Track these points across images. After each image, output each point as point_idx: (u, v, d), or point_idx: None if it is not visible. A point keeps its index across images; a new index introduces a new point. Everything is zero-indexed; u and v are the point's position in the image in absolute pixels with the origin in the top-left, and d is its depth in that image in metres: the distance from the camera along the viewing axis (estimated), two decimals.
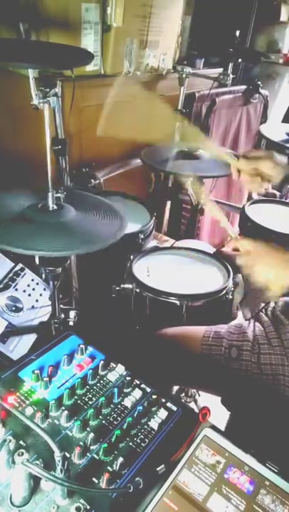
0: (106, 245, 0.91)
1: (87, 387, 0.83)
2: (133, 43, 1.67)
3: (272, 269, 0.94)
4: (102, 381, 0.84)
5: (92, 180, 1.62)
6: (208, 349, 1.10)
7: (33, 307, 1.31)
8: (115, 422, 0.76)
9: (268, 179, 1.18)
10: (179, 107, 2.01)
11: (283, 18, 2.76)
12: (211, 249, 1.57)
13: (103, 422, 0.76)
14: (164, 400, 0.81)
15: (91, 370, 0.85)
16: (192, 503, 0.65)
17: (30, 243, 0.87)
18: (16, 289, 1.30)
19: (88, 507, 0.62)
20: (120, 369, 0.87)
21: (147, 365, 0.94)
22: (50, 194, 0.99)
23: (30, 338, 1.26)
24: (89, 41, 1.52)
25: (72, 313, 1.26)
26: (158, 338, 1.19)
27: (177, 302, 1.18)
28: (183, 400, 1.52)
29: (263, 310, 1.18)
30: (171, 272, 1.36)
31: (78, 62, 1.07)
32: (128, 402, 0.80)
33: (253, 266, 0.95)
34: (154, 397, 0.82)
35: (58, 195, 1.02)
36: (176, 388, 1.51)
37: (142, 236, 1.44)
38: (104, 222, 1.01)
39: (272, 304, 1.19)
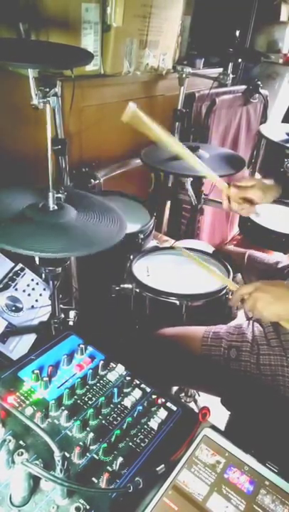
0: (106, 247, 0.91)
1: (87, 387, 0.83)
2: (133, 43, 1.67)
3: (274, 303, 0.93)
4: (101, 381, 0.84)
5: (92, 180, 1.62)
6: (208, 349, 1.10)
7: (32, 307, 1.31)
8: (115, 422, 0.76)
9: (257, 204, 1.20)
10: (179, 107, 2.01)
11: (283, 18, 2.76)
12: (211, 249, 1.57)
13: (103, 421, 0.76)
14: (163, 400, 0.81)
15: (91, 370, 0.85)
16: (192, 503, 0.65)
17: (30, 243, 0.87)
18: (16, 289, 1.30)
19: (88, 507, 0.62)
20: (120, 369, 0.87)
21: (147, 365, 0.94)
22: (50, 194, 0.99)
23: (30, 338, 1.26)
24: (89, 41, 1.52)
25: (72, 313, 1.26)
26: (157, 338, 1.19)
27: (177, 302, 1.19)
28: (183, 400, 1.52)
29: None
30: (171, 271, 1.36)
31: (78, 62, 1.08)
32: (128, 402, 0.80)
33: (257, 306, 0.95)
34: (153, 397, 0.82)
35: (59, 195, 1.02)
36: (176, 388, 1.51)
37: (141, 236, 1.44)
38: (104, 223, 1.01)
39: None
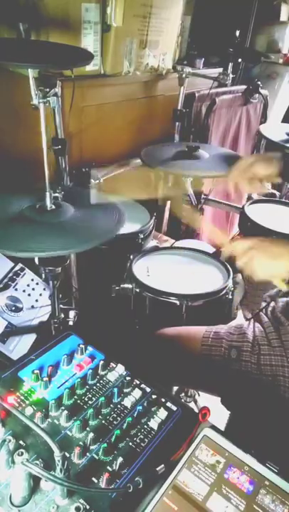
0: (105, 239, 0.91)
1: (87, 387, 0.83)
2: (133, 43, 1.67)
3: (271, 262, 0.92)
4: (101, 381, 0.84)
5: (92, 180, 1.62)
6: (208, 349, 1.10)
7: (32, 307, 1.31)
8: (115, 422, 0.76)
9: (267, 179, 1.18)
10: (179, 107, 2.01)
11: (283, 18, 2.76)
12: (211, 249, 1.57)
13: (103, 421, 0.76)
14: (163, 400, 0.81)
15: (91, 370, 0.85)
16: (192, 503, 0.65)
17: (28, 245, 0.87)
18: (16, 289, 1.30)
19: (88, 507, 0.62)
20: (120, 369, 0.87)
21: (147, 365, 0.94)
22: (47, 194, 0.99)
23: (30, 338, 1.26)
24: (89, 41, 1.52)
25: (72, 313, 1.26)
26: (157, 338, 1.19)
27: (177, 302, 1.19)
28: (183, 400, 1.52)
29: (263, 310, 1.18)
30: (171, 272, 1.36)
31: (78, 62, 1.08)
32: (128, 402, 0.80)
33: (252, 263, 0.93)
34: (153, 397, 0.82)
35: (56, 194, 1.02)
36: (176, 388, 1.51)
37: (141, 236, 1.44)
38: (102, 217, 1.01)
39: (272, 304, 1.19)
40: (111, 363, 0.88)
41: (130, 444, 0.73)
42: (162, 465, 0.68)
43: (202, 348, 1.11)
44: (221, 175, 1.62)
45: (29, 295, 1.32)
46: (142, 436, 0.74)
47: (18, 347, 1.22)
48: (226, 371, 1.07)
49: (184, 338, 1.15)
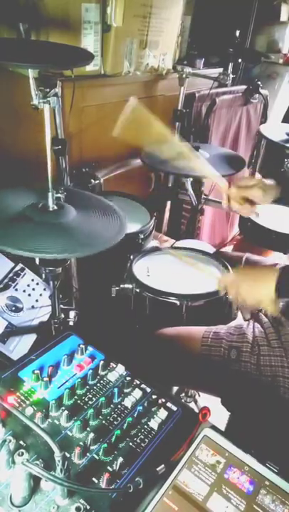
0: (106, 248, 0.91)
1: (87, 387, 0.83)
2: (133, 43, 1.67)
3: (253, 286, 0.97)
4: (102, 381, 0.84)
5: (92, 180, 1.62)
6: (208, 350, 1.10)
7: (33, 307, 1.31)
8: (115, 422, 0.76)
9: (258, 204, 1.21)
10: (179, 107, 2.01)
11: (283, 18, 2.76)
12: (211, 249, 1.57)
13: (103, 422, 0.76)
14: (164, 400, 0.81)
15: (91, 370, 0.85)
16: (192, 503, 0.65)
17: (30, 244, 0.87)
18: (16, 289, 1.29)
19: (88, 507, 0.62)
20: (120, 369, 0.87)
21: (147, 365, 0.94)
22: (50, 194, 0.99)
23: (30, 338, 1.26)
24: (89, 41, 1.52)
25: (72, 313, 1.26)
26: (157, 339, 1.19)
27: (177, 302, 1.18)
28: (183, 400, 1.52)
29: (263, 310, 1.18)
30: (171, 272, 1.36)
31: (78, 62, 1.08)
32: (128, 402, 0.80)
33: (239, 292, 0.98)
34: (154, 397, 0.82)
35: (58, 195, 1.02)
36: (176, 388, 1.51)
37: (142, 236, 1.44)
38: (104, 223, 1.01)
39: None
40: (111, 363, 0.88)
41: (130, 444, 0.73)
42: (162, 465, 0.68)
43: (202, 349, 1.11)
44: (221, 175, 1.62)
45: (29, 295, 1.32)
46: (142, 437, 0.74)
47: (19, 347, 1.22)
48: (226, 371, 1.07)
49: (184, 339, 1.15)
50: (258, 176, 2.60)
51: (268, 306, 0.96)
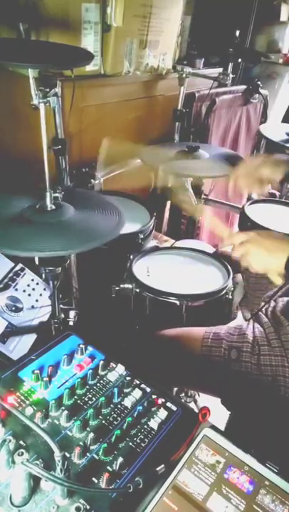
0: (105, 242, 0.91)
1: (87, 387, 0.83)
2: (133, 43, 1.67)
3: (265, 256, 0.94)
4: (102, 381, 0.84)
5: (92, 180, 1.62)
6: (208, 350, 1.10)
7: (33, 307, 1.31)
8: (115, 422, 0.76)
9: (270, 181, 1.18)
10: (179, 107, 2.01)
11: (283, 18, 2.76)
12: (211, 249, 1.57)
13: (103, 422, 0.76)
14: (164, 400, 0.81)
15: (91, 370, 0.85)
16: (192, 503, 0.65)
17: (29, 245, 0.87)
18: (16, 289, 1.29)
19: (88, 507, 0.62)
20: (120, 369, 0.87)
21: (147, 366, 0.94)
22: (47, 194, 0.99)
23: (30, 338, 1.26)
24: (89, 41, 1.52)
25: (72, 313, 1.26)
26: (157, 340, 1.19)
27: (177, 302, 1.18)
28: (183, 400, 1.52)
29: (263, 310, 1.18)
30: (171, 272, 1.36)
31: (78, 62, 1.08)
32: (128, 402, 0.80)
33: (248, 256, 0.95)
34: (154, 397, 0.82)
35: (56, 194, 1.02)
36: (176, 388, 1.51)
37: (141, 236, 1.44)
38: (102, 218, 1.01)
39: (272, 304, 1.19)
40: (111, 363, 0.88)
41: (130, 444, 0.73)
42: (162, 465, 0.68)
43: (202, 349, 1.11)
44: (221, 175, 1.62)
45: (29, 295, 1.32)
46: (142, 437, 0.74)
47: (18, 347, 1.22)
48: (226, 372, 1.07)
49: (184, 339, 1.15)
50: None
51: (273, 276, 0.94)
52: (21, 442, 0.70)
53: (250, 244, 0.96)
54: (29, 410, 0.77)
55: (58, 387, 0.82)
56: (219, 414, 1.03)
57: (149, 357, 1.14)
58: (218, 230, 1.09)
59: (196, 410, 0.79)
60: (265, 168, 1.15)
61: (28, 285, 1.33)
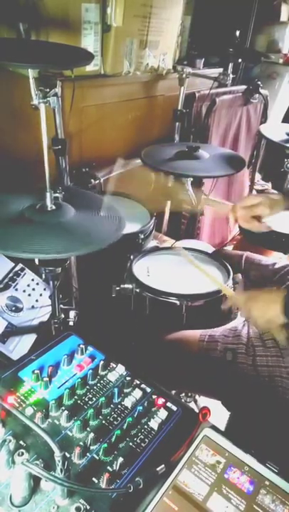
0: (105, 245, 0.91)
1: (87, 387, 0.83)
2: (133, 43, 1.67)
3: (265, 309, 0.96)
4: (102, 381, 0.84)
5: (92, 180, 1.62)
6: (204, 353, 1.10)
7: (33, 307, 1.31)
8: (115, 422, 0.76)
9: (265, 219, 1.21)
10: (179, 107, 2.01)
11: (283, 18, 2.76)
12: (211, 249, 1.57)
13: (103, 422, 0.76)
14: (164, 400, 0.81)
15: (91, 370, 0.85)
16: (192, 503, 0.65)
17: (29, 246, 0.87)
18: (16, 289, 1.29)
19: (88, 507, 0.62)
20: (120, 369, 0.87)
21: (145, 370, 0.94)
22: (48, 194, 0.99)
23: (30, 338, 1.26)
24: (89, 41, 1.52)
25: (72, 313, 1.26)
26: (154, 344, 1.19)
27: (177, 302, 1.18)
28: (183, 400, 1.52)
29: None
30: (171, 272, 1.36)
31: (78, 62, 1.07)
32: (128, 402, 0.80)
33: (251, 314, 0.97)
34: (154, 397, 0.82)
35: (56, 194, 1.02)
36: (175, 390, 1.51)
37: (142, 236, 1.44)
38: (103, 220, 1.01)
39: None
40: (111, 363, 0.89)
41: (130, 444, 0.73)
42: (162, 465, 0.68)
43: (198, 352, 1.11)
44: (221, 175, 1.62)
45: (29, 295, 1.32)
46: (142, 437, 0.74)
47: (18, 347, 1.22)
48: (223, 374, 1.07)
49: (181, 343, 1.15)
50: (258, 176, 2.61)
51: (275, 332, 0.97)
52: (21, 442, 0.70)
53: (250, 302, 0.99)
54: (29, 410, 0.77)
55: (58, 387, 0.82)
56: (219, 414, 1.03)
57: (149, 359, 1.14)
58: (219, 209, 1.11)
59: (196, 410, 0.79)
60: (263, 209, 1.18)
61: (28, 285, 1.33)
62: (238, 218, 1.21)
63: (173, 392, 1.42)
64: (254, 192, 2.54)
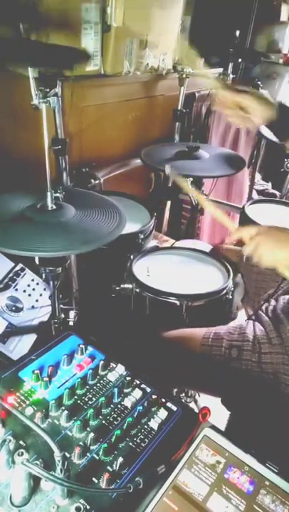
0: (105, 243, 0.91)
1: (87, 387, 0.83)
2: (133, 43, 1.67)
3: (276, 247, 0.92)
4: (102, 381, 0.84)
5: (92, 180, 1.62)
6: (208, 350, 1.10)
7: (33, 307, 1.31)
8: (115, 422, 0.76)
9: (252, 115, 1.06)
10: (179, 107, 2.01)
11: (283, 18, 2.76)
12: (209, 248, 1.57)
13: (103, 422, 0.76)
14: (164, 400, 0.81)
15: (91, 370, 0.85)
16: (192, 503, 0.65)
17: (29, 244, 0.87)
18: (16, 289, 1.30)
19: (88, 507, 0.62)
20: (120, 369, 0.87)
21: (148, 367, 0.94)
22: (48, 194, 0.99)
23: (30, 338, 1.26)
24: (89, 41, 1.52)
25: (72, 313, 1.26)
26: (158, 341, 1.19)
27: (177, 302, 1.18)
28: (183, 400, 1.52)
29: (263, 309, 1.18)
30: (171, 272, 1.36)
31: (76, 60, 1.07)
32: (128, 402, 0.80)
33: (258, 249, 0.93)
34: (154, 397, 0.82)
35: (57, 194, 1.02)
36: (176, 389, 1.51)
37: (142, 236, 1.44)
38: (103, 219, 1.01)
39: (272, 303, 1.19)
40: (111, 363, 0.89)
41: (130, 444, 0.73)
42: (162, 465, 0.68)
43: (202, 349, 1.11)
44: (221, 175, 1.62)
45: (29, 295, 1.32)
46: (142, 437, 0.74)
47: (19, 347, 1.22)
48: (227, 371, 1.07)
49: (184, 340, 1.15)
50: (258, 176, 2.60)
51: (283, 270, 0.92)
52: (21, 442, 0.70)
53: (259, 237, 0.93)
54: (29, 410, 0.77)
55: (58, 387, 0.82)
56: (219, 414, 1.03)
57: (149, 358, 1.14)
58: (223, 222, 1.07)
59: (196, 410, 0.79)
60: (248, 99, 1.04)
61: (28, 285, 1.34)
62: (222, 100, 1.07)
63: (174, 390, 1.43)
64: (254, 192, 2.53)
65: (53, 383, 0.83)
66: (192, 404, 1.54)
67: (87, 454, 0.70)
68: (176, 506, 0.64)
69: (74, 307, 1.40)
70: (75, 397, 0.80)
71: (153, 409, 0.79)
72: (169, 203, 2.30)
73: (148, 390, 0.83)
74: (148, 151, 1.67)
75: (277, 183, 2.65)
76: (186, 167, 1.55)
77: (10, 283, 1.29)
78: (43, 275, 1.08)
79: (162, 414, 0.78)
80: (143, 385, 0.84)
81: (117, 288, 1.25)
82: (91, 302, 1.56)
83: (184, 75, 1.91)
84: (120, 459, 0.68)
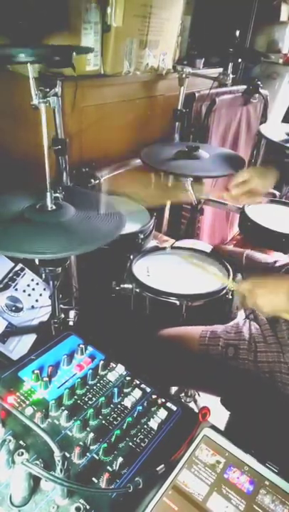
0: (105, 243, 0.91)
1: (87, 387, 0.83)
2: (133, 43, 1.67)
3: (271, 295, 0.95)
4: (102, 381, 0.84)
5: (92, 180, 1.62)
6: (205, 349, 1.10)
7: (33, 307, 1.31)
8: (115, 422, 0.76)
9: (259, 193, 1.22)
10: (179, 107, 2.01)
11: (283, 18, 2.76)
12: (210, 249, 1.57)
13: (103, 422, 0.76)
14: (163, 400, 0.81)
15: (91, 370, 0.85)
16: (192, 503, 0.65)
17: (29, 246, 0.87)
18: (16, 289, 1.30)
19: (88, 507, 0.62)
20: (120, 369, 0.87)
21: (146, 366, 0.94)
22: (48, 194, 0.99)
23: (30, 338, 1.26)
24: (89, 41, 1.52)
25: (72, 313, 1.26)
26: (155, 340, 1.19)
27: (177, 302, 1.19)
28: (183, 400, 1.52)
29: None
30: (171, 271, 1.36)
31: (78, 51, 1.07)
32: (128, 402, 0.80)
33: (257, 302, 0.96)
34: (153, 397, 0.82)
35: (57, 194, 1.02)
36: (176, 388, 1.51)
37: (141, 236, 1.44)
38: (103, 219, 1.01)
39: None
40: (111, 363, 0.89)
41: (130, 444, 0.73)
42: (162, 465, 0.68)
43: (199, 348, 1.11)
44: (221, 175, 1.62)
45: (29, 295, 1.32)
46: (142, 437, 0.74)
47: (18, 347, 1.22)
48: (224, 370, 1.08)
49: (182, 339, 1.15)
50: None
51: (285, 316, 0.96)
52: (21, 442, 0.70)
53: (255, 290, 0.97)
54: (29, 410, 0.77)
55: (58, 387, 0.82)
56: (219, 414, 1.03)
57: (148, 357, 1.14)
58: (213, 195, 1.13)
59: (196, 410, 0.79)
60: (255, 182, 1.19)
61: (28, 285, 1.34)
62: (236, 197, 1.21)
63: (173, 389, 1.43)
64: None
65: (53, 383, 0.83)
66: (192, 404, 1.55)
67: (87, 453, 0.70)
68: (176, 506, 0.64)
69: (74, 307, 1.40)
70: (75, 397, 0.80)
71: (153, 409, 0.79)
72: (169, 203, 2.30)
73: (148, 389, 0.83)
74: (148, 151, 1.66)
75: (277, 183, 2.65)
76: (186, 167, 1.55)
77: (10, 283, 1.30)
78: (43, 275, 1.08)
79: (162, 414, 0.78)
80: (143, 385, 0.84)
81: (117, 288, 1.26)
82: (91, 302, 1.56)
83: (184, 75, 1.91)
84: (120, 459, 0.68)
